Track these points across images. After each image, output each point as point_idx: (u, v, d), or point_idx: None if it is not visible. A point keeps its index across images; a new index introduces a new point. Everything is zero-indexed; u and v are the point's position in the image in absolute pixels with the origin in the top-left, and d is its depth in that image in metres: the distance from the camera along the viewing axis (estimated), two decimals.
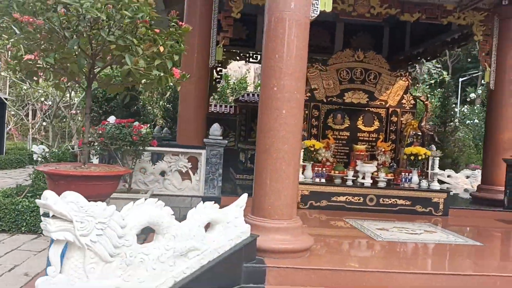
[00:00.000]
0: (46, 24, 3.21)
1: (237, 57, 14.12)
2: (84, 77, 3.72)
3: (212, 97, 17.37)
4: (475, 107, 20.77)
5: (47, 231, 2.55)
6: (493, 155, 8.23)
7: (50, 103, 11.53)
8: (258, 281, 3.78)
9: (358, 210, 7.00)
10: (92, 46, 3.49)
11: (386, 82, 8.33)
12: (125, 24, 3.26)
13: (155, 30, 3.71)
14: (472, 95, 22.71)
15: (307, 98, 8.24)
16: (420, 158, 7.25)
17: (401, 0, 7.99)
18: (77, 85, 4.57)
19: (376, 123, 8.46)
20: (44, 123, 10.95)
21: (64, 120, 13.46)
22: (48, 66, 3.41)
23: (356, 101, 8.35)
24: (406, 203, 7.12)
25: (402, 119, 8.38)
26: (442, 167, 13.43)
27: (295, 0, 4.09)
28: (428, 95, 18.22)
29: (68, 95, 10.53)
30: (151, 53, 3.62)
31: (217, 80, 14.22)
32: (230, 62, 16.22)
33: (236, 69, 28.63)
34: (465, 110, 20.44)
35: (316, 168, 7.33)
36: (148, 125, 6.56)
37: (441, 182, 12.25)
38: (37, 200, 2.64)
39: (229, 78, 22.68)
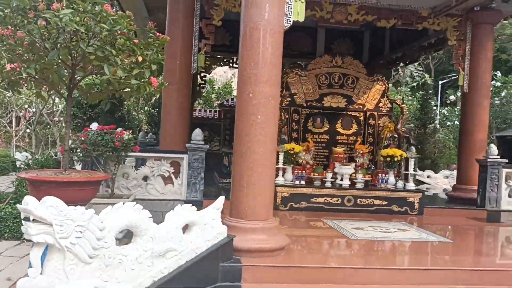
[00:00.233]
0: (27, 36, 3.35)
1: (221, 63, 14.32)
2: (65, 86, 3.85)
3: (197, 102, 17.53)
4: (456, 109, 21.25)
5: (28, 234, 2.68)
6: (467, 156, 8.54)
7: (33, 110, 11.56)
8: (235, 279, 3.95)
9: (336, 211, 7.21)
10: (72, 56, 3.63)
11: (364, 87, 8.59)
12: (103, 36, 3.41)
13: (134, 40, 3.87)
14: (452, 97, 23.22)
15: (288, 102, 8.47)
16: (396, 159, 7.50)
17: (378, 7, 8.27)
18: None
19: (354, 126, 8.71)
20: (28, 130, 10.96)
21: (48, 127, 13.47)
22: (29, 77, 3.54)
23: (335, 105, 8.59)
24: (383, 203, 7.36)
25: (379, 122, 8.65)
26: (422, 167, 13.79)
27: (269, 11, 4.29)
28: (404, 99, 18.65)
29: (51, 102, 10.59)
30: (129, 63, 3.77)
31: (201, 85, 14.41)
32: (214, 68, 16.40)
33: (221, 74, 28.78)
34: (445, 112, 20.90)
35: (296, 171, 7.53)
36: (131, 131, 6.66)
37: (420, 182, 12.61)
38: (18, 205, 2.77)
39: (214, 83, 22.84)
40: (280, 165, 7.35)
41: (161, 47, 4.04)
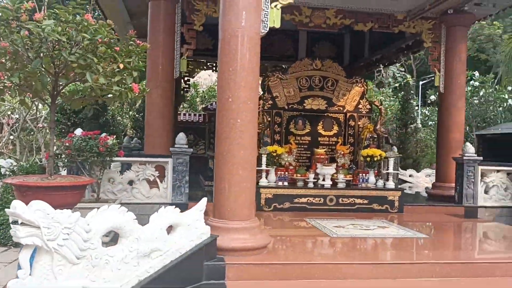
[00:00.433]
0: (11, 46, 3.45)
1: (204, 67, 14.46)
2: (48, 93, 3.95)
3: (181, 106, 17.61)
4: (436, 109, 21.71)
5: (17, 237, 2.79)
6: (444, 154, 8.81)
7: (17, 116, 11.52)
8: (219, 277, 4.09)
9: (319, 210, 7.39)
10: (55, 65, 3.74)
11: (343, 89, 8.82)
12: (85, 45, 3.54)
13: (115, 48, 3.99)
14: (433, 97, 23.70)
15: (270, 105, 8.65)
16: (375, 159, 7.73)
17: (355, 11, 8.51)
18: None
19: (335, 127, 8.93)
20: (12, 137, 10.92)
21: (32, 133, 13.43)
22: (13, 85, 3.64)
23: (316, 107, 8.81)
24: (364, 202, 7.57)
25: (359, 123, 8.89)
26: (404, 167, 14.11)
27: (245, 18, 4.45)
28: (386, 100, 19.00)
29: (35, 108, 10.59)
30: (111, 70, 3.90)
31: (185, 89, 14.51)
32: (198, 72, 16.55)
33: (206, 77, 28.86)
34: (426, 112, 21.32)
35: (279, 172, 7.71)
36: (115, 136, 6.74)
37: (403, 181, 12.91)
38: (6, 210, 2.87)
39: (198, 87, 22.91)
40: (263, 167, 7.52)
41: (142, 54, 4.17)
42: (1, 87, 3.79)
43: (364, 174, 7.88)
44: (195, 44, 8.19)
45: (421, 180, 13.33)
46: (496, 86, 18.83)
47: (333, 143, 8.88)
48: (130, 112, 18.50)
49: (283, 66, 13.01)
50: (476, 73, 19.82)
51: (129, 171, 7.14)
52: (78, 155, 6.15)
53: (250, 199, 4.61)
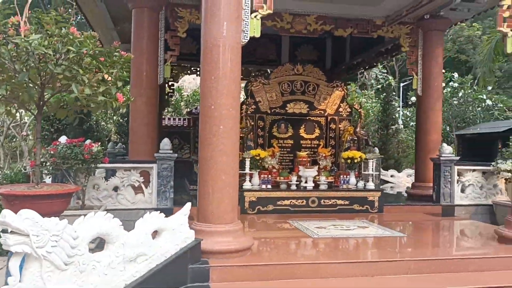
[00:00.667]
0: None
1: (188, 71, 14.54)
2: (34, 104, 4.05)
3: (166, 110, 17.66)
4: None
5: (7, 245, 2.89)
6: (423, 155, 9.09)
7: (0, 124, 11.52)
8: (203, 280, 4.24)
9: (302, 212, 7.58)
10: (41, 76, 3.84)
11: (324, 93, 9.06)
12: (71, 57, 3.65)
13: (100, 58, 4.11)
14: (413, 99, 24.17)
15: (253, 110, 8.82)
16: (356, 161, 7.96)
17: (335, 17, 8.74)
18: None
19: (317, 130, 9.16)
20: None
21: (14, 140, 13.37)
22: (1, 96, 3.73)
23: (298, 111, 9.02)
24: (345, 203, 7.79)
25: (340, 126, 9.13)
26: (386, 167, 14.42)
27: (227, 28, 4.61)
28: (368, 101, 19.33)
29: (18, 115, 10.59)
30: (96, 81, 4.01)
31: (170, 94, 14.59)
32: (182, 76, 16.61)
33: (190, 81, 28.89)
34: (408, 113, 21.74)
35: (262, 175, 7.87)
36: (100, 143, 6.82)
37: (385, 181, 13.19)
38: None
39: (183, 91, 22.97)
40: (247, 170, 7.67)
41: (126, 64, 4.29)
42: None
43: (345, 176, 8.11)
44: (179, 51, 8.33)
45: (403, 180, 13.63)
46: (475, 87, 19.33)
47: (315, 146, 9.09)
48: (114, 117, 18.47)
49: (267, 70, 13.22)
50: (455, 75, 20.32)
51: (114, 177, 7.20)
52: (63, 163, 6.21)
53: (233, 203, 4.77)
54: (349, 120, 9.19)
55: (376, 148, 10.10)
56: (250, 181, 7.72)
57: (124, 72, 4.22)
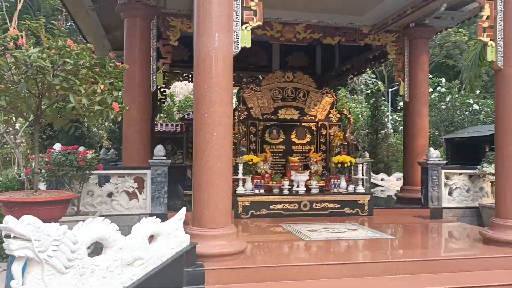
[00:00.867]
0: None
1: (180, 78, 14.65)
2: (31, 114, 4.17)
3: (158, 116, 17.75)
4: None
5: (10, 249, 3.01)
6: (411, 159, 9.32)
7: None
8: (199, 282, 4.37)
9: (294, 216, 7.74)
10: (38, 87, 3.97)
11: (314, 99, 9.26)
12: (68, 69, 3.78)
13: (96, 69, 4.24)
14: (402, 103, 24.52)
15: (245, 116, 8.98)
16: (346, 165, 8.15)
17: (323, 25, 8.98)
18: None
19: (308, 136, 9.34)
20: None
21: (5, 146, 13.36)
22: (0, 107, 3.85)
23: (289, 117, 9.21)
24: (336, 206, 7.97)
25: (330, 131, 9.33)
26: (376, 171, 14.64)
27: (219, 39, 4.78)
28: (358, 106, 19.59)
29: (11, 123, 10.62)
30: (92, 91, 4.15)
31: (162, 100, 14.69)
32: (174, 82, 16.73)
33: (182, 86, 29.00)
34: (397, 117, 22.06)
35: (255, 180, 8.02)
36: (94, 150, 6.93)
37: (375, 185, 13.40)
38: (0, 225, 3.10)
39: (175, 97, 23.07)
40: (240, 175, 7.81)
41: (121, 74, 4.43)
42: None
43: (335, 180, 8.29)
44: (171, 59, 8.49)
45: (392, 183, 13.87)
46: (462, 92, 19.71)
47: (306, 151, 9.27)
48: (106, 123, 18.51)
49: (258, 76, 13.39)
50: (443, 80, 20.71)
51: (108, 183, 7.29)
52: (58, 170, 6.32)
53: (227, 207, 4.91)
54: (339, 126, 9.40)
55: (366, 153, 10.29)
56: (243, 186, 7.86)
57: (120, 82, 4.35)
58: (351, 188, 8.25)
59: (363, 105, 21.56)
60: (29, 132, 12.44)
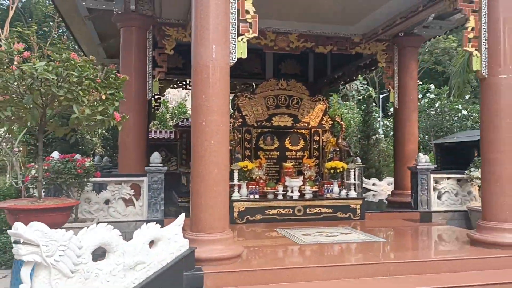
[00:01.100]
0: (3, 83, 3.82)
1: (174, 85, 14.80)
2: (35, 124, 4.31)
3: (151, 123, 17.85)
4: None
5: (19, 255, 3.15)
6: (401, 164, 9.56)
7: None
8: (198, 285, 4.53)
9: (288, 221, 7.92)
10: (43, 98, 4.12)
11: (307, 106, 9.48)
12: (72, 80, 3.94)
13: (97, 80, 4.40)
14: (392, 109, 24.85)
15: (240, 123, 9.16)
16: (338, 171, 8.36)
17: (315, 35, 9.22)
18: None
19: (301, 142, 9.56)
20: None
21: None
22: (5, 117, 3.99)
23: (283, 124, 9.42)
24: (329, 211, 8.16)
25: (323, 137, 9.55)
26: (367, 176, 14.88)
27: (216, 51, 4.97)
28: (349, 112, 19.87)
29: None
30: (94, 101, 4.31)
31: (156, 107, 14.81)
32: (167, 89, 16.85)
33: (175, 92, 29.14)
34: (388, 123, 22.38)
35: (250, 186, 8.19)
36: (91, 158, 7.06)
37: (367, 190, 13.63)
38: (9, 231, 3.24)
39: (168, 103, 23.18)
40: (236, 181, 7.98)
41: (121, 85, 4.59)
42: None
43: (328, 185, 8.49)
44: (166, 67, 8.65)
45: (384, 188, 14.11)
46: (451, 98, 20.07)
47: (300, 157, 9.48)
48: (99, 131, 18.57)
49: (252, 83, 13.58)
50: (432, 86, 21.07)
51: (105, 191, 7.41)
52: (56, 177, 6.44)
53: (224, 212, 5.08)
54: (331, 132, 9.63)
55: (358, 158, 10.50)
56: (238, 191, 8.03)
57: (121, 93, 4.51)
58: (343, 193, 8.45)
59: (355, 111, 21.86)
60: (24, 140, 12.49)
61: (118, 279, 3.86)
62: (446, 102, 19.21)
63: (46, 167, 6.44)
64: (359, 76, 15.00)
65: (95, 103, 4.36)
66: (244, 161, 8.47)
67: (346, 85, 25.50)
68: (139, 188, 7.53)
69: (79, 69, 3.94)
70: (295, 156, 9.52)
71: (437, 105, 19.06)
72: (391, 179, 14.37)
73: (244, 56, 5.23)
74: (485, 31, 6.04)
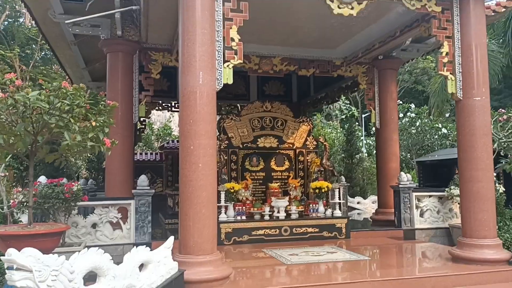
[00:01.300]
0: None
1: (160, 107, 14.89)
2: (26, 151, 4.39)
3: (137, 145, 17.84)
4: None
5: (12, 280, 3.19)
6: (384, 182, 9.78)
7: None
8: None
9: (275, 241, 8.01)
10: (34, 126, 4.21)
11: (292, 128, 9.71)
12: (64, 109, 4.05)
13: (87, 106, 4.52)
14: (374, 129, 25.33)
15: (226, 145, 9.31)
16: (323, 190, 8.53)
17: (298, 58, 9.51)
18: None
19: (287, 163, 9.74)
20: None
21: None
22: None
23: (268, 145, 9.60)
24: (315, 230, 8.28)
25: (307, 158, 9.75)
26: (352, 194, 15.10)
27: (203, 77, 5.14)
28: (333, 132, 20.21)
29: None
30: (84, 127, 4.41)
31: (141, 129, 14.85)
32: (152, 111, 16.93)
33: (159, 113, 29.18)
34: (370, 142, 22.78)
35: (237, 207, 8.29)
36: (78, 181, 7.09)
37: (352, 208, 13.81)
38: (2, 258, 3.29)
39: (153, 124, 23.21)
40: (222, 203, 8.07)
41: (112, 112, 4.71)
42: None
43: (314, 205, 8.64)
44: (153, 91, 8.80)
45: (368, 206, 14.32)
46: (431, 117, 20.60)
47: (285, 177, 9.64)
48: (84, 154, 18.46)
49: (236, 104, 13.79)
50: (412, 105, 21.60)
51: (92, 214, 7.40)
52: (44, 202, 6.45)
53: (212, 234, 5.18)
54: (315, 153, 9.84)
55: (342, 177, 10.73)
56: (225, 213, 8.11)
57: (111, 119, 4.63)
58: (329, 212, 8.60)
59: (338, 130, 22.22)
60: (8, 164, 12.37)
61: None
62: (426, 121, 19.72)
63: (34, 192, 6.46)
64: (342, 96, 15.36)
65: (85, 129, 4.47)
66: (230, 182, 8.59)
67: (329, 105, 26.02)
68: (126, 211, 7.54)
69: (71, 98, 4.06)
70: (280, 177, 9.67)
71: (417, 124, 19.53)
72: (375, 197, 14.56)
73: (230, 81, 5.41)
74: (458, 55, 6.36)
